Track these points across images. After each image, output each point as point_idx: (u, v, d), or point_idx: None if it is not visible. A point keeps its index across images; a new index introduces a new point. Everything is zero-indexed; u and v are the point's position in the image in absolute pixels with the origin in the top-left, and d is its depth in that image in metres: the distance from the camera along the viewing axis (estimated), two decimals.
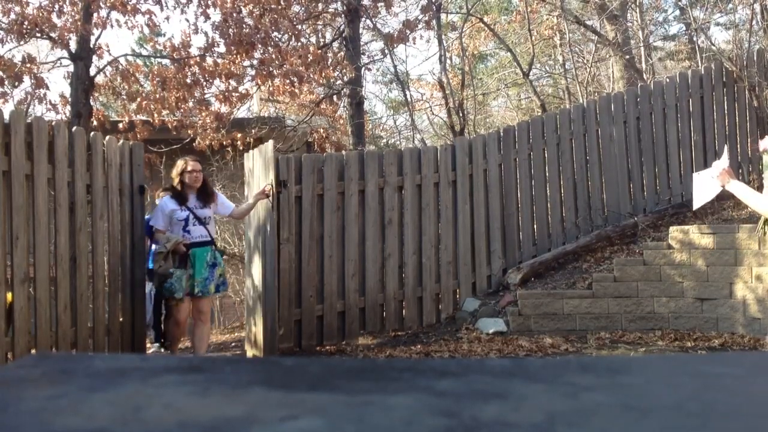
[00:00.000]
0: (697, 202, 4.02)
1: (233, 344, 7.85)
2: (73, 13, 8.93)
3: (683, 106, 8.28)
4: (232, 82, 9.84)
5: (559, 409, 0.63)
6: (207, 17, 9.57)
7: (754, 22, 8.83)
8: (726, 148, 4.08)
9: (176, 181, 5.93)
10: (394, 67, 12.49)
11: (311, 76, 9.96)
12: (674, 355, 3.47)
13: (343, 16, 10.73)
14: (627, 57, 12.06)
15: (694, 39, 11.29)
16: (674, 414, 0.61)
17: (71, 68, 8.71)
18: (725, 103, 8.46)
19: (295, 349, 6.53)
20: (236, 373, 0.77)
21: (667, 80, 8.55)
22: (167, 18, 22.54)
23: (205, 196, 5.95)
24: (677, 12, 18.98)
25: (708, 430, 0.57)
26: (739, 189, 3.68)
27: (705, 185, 3.90)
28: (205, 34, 9.67)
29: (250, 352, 6.87)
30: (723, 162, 3.84)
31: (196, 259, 5.76)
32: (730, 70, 8.37)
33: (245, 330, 7.27)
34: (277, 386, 0.71)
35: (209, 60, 9.64)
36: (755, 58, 8.51)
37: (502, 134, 7.79)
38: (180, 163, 5.99)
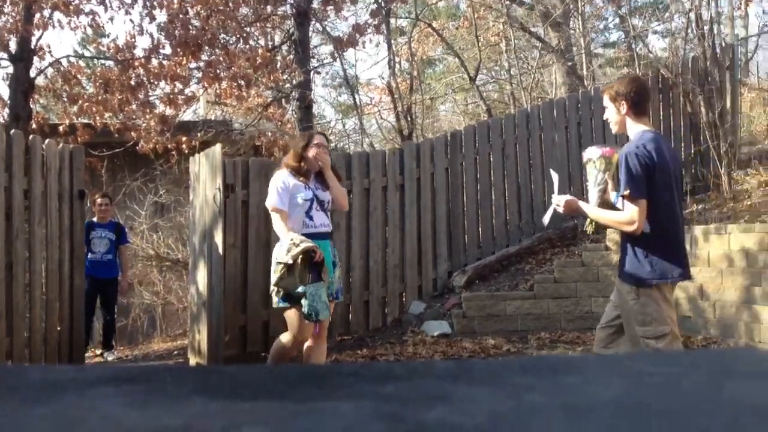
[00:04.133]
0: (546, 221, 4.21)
1: (176, 352, 7.72)
2: (13, 14, 8.68)
3: None
4: (178, 85, 9.69)
5: (502, 410, 0.63)
6: (152, 18, 9.41)
7: (689, 31, 9.11)
8: (555, 176, 4.18)
9: (295, 157, 4.66)
10: (344, 70, 12.52)
11: (259, 79, 9.88)
12: (611, 354, 3.55)
13: (292, 18, 10.68)
14: (569, 64, 12.30)
15: (633, 46, 11.59)
16: (611, 412, 0.62)
17: (10, 70, 8.47)
18: (661, 109, 8.70)
19: (240, 356, 6.45)
20: (177, 382, 0.76)
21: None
22: (111, 19, 22.05)
23: (324, 180, 4.72)
24: (617, 20, 19.47)
25: (643, 427, 0.58)
26: (591, 212, 3.81)
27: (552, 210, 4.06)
28: (150, 35, 9.47)
29: (193, 360, 6.76)
30: (555, 195, 3.96)
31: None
32: (666, 77, 8.61)
33: (189, 337, 7.15)
34: (219, 395, 0.70)
35: (154, 62, 9.48)
36: (690, 65, 8.77)
37: (449, 138, 7.86)
38: (302, 137, 4.85)
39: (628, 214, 3.58)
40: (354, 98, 12.70)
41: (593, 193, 3.80)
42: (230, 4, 9.51)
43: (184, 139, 9.49)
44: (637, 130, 3.73)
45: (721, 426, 0.58)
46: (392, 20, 12.94)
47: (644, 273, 3.60)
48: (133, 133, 9.48)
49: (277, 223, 4.50)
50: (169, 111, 9.91)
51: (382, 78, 16.86)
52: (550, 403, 0.65)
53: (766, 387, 0.71)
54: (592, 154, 3.83)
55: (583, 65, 12.45)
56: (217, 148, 6.41)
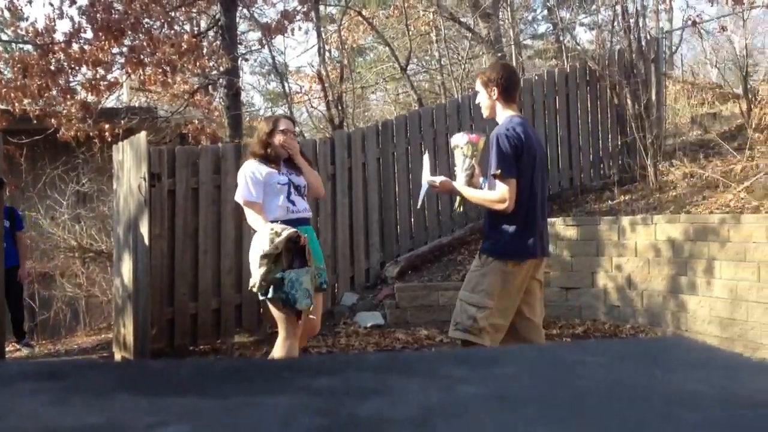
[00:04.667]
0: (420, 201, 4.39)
1: (100, 346, 7.52)
2: None
3: (550, 103, 8.66)
4: (100, 70, 9.39)
5: (435, 402, 0.63)
6: (73, 1, 9.08)
7: (615, 23, 9.35)
8: (426, 158, 4.32)
9: (260, 144, 4.43)
10: (272, 58, 12.35)
11: (185, 65, 9.66)
12: (543, 344, 3.64)
13: (218, 4, 10.46)
14: (499, 54, 12.46)
15: (561, 38, 11.84)
16: (545, 403, 0.63)
17: None
18: (588, 100, 8.92)
19: (167, 350, 6.33)
20: (100, 377, 0.73)
21: (536, 78, 8.91)
22: (30, 1, 21.22)
23: (295, 165, 4.52)
24: (545, 12, 19.85)
25: (576, 417, 0.59)
26: (464, 192, 3.99)
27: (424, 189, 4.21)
28: (71, 18, 9.14)
29: (118, 355, 6.60)
30: (426, 176, 4.11)
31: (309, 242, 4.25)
32: (593, 69, 8.81)
33: (113, 331, 6.98)
34: (145, 391, 0.68)
35: (75, 46, 9.15)
36: (616, 57, 9.00)
37: (380, 128, 7.87)
38: (266, 123, 4.54)
39: (499, 193, 3.75)
40: (283, 86, 12.57)
41: (461, 177, 3.98)
42: None
43: (106, 126, 9.21)
44: (505, 115, 3.90)
45: (653, 414, 0.59)
46: (321, 7, 12.85)
47: (497, 247, 3.80)
48: (53, 120, 9.14)
49: (252, 216, 4.28)
50: (91, 97, 9.60)
51: (312, 66, 16.77)
52: (484, 394, 0.65)
53: (694, 375, 0.73)
54: (459, 140, 4.01)
55: (512, 56, 12.64)
56: (142, 136, 6.25)
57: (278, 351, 4.24)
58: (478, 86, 3.99)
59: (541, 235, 3.92)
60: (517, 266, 3.79)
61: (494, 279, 3.75)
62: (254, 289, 4.21)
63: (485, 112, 3.99)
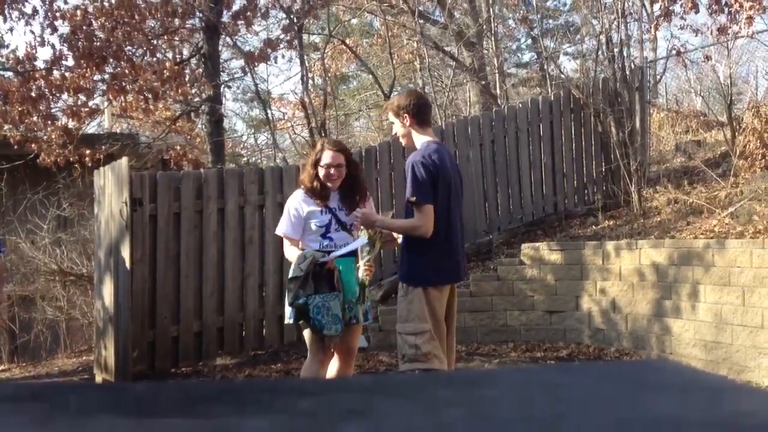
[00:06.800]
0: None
1: (81, 369, 7.42)
2: None
3: (534, 130, 8.71)
4: (82, 97, 9.37)
5: (420, 424, 0.63)
6: (54, 29, 9.09)
7: (599, 53, 9.43)
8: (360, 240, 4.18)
9: (308, 177, 4.23)
10: (255, 85, 12.38)
11: (167, 92, 9.66)
12: (527, 367, 3.65)
13: (201, 32, 10.51)
14: (483, 83, 12.58)
15: (545, 67, 11.95)
16: (528, 425, 0.62)
17: None
18: (572, 128, 8.97)
19: (149, 372, 6.27)
20: (82, 400, 0.72)
21: (520, 105, 8.98)
22: (11, 29, 21.24)
23: (353, 196, 4.25)
24: (529, 41, 20.11)
25: None
26: (385, 223, 4.09)
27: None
28: (52, 46, 9.14)
29: (99, 377, 6.53)
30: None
31: (342, 273, 4.10)
32: (577, 97, 8.88)
33: (94, 354, 6.90)
34: (127, 413, 0.67)
35: (56, 73, 9.15)
36: (600, 86, 9.07)
37: (363, 154, 7.88)
38: (312, 152, 4.36)
39: (416, 219, 3.82)
40: (266, 113, 12.61)
41: (361, 268, 4.09)
42: (136, 17, 9.28)
43: (87, 152, 9.18)
44: (422, 140, 3.95)
45: None
46: (305, 36, 12.94)
47: (415, 274, 3.87)
48: (34, 146, 9.11)
49: (288, 249, 4.25)
50: (72, 123, 9.57)
51: (296, 93, 16.84)
52: (468, 416, 0.65)
53: (678, 397, 0.73)
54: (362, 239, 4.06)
55: (496, 84, 12.75)
56: (124, 161, 6.24)
57: (303, 373, 4.31)
58: (391, 117, 4.05)
59: (458, 259, 3.98)
60: (436, 291, 3.84)
61: (420, 304, 3.80)
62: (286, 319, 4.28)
63: (403, 141, 4.05)
